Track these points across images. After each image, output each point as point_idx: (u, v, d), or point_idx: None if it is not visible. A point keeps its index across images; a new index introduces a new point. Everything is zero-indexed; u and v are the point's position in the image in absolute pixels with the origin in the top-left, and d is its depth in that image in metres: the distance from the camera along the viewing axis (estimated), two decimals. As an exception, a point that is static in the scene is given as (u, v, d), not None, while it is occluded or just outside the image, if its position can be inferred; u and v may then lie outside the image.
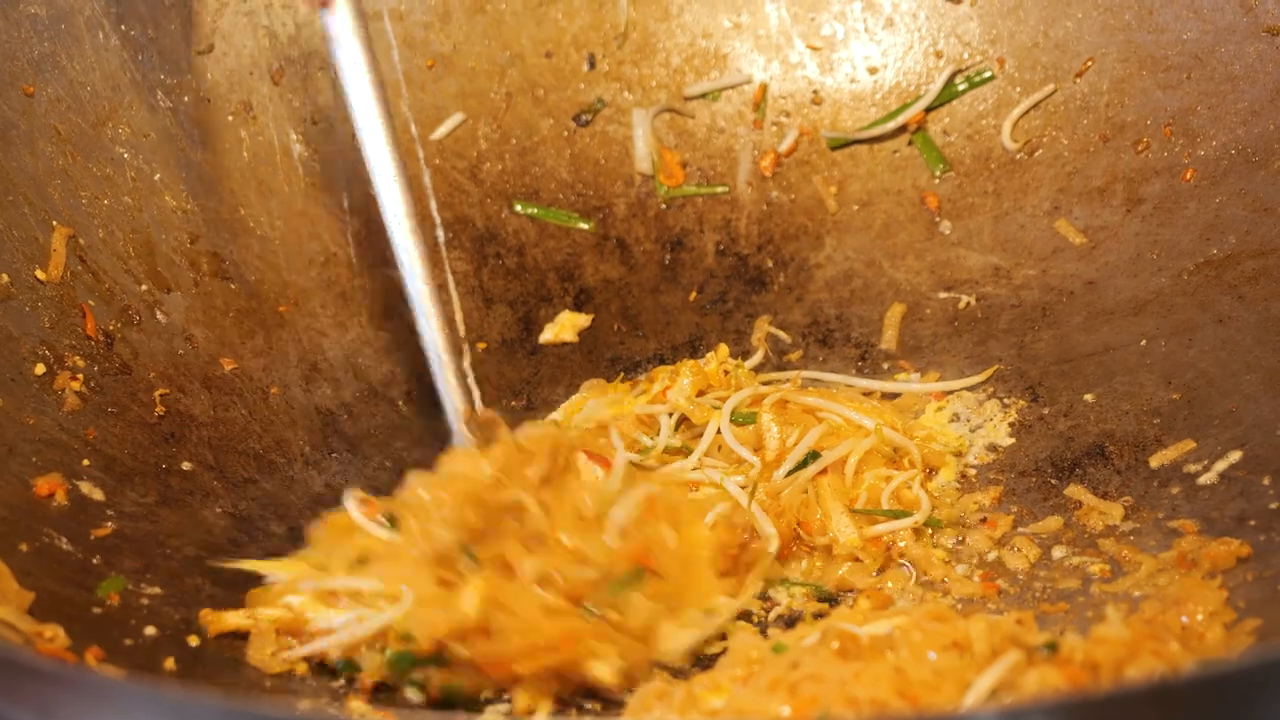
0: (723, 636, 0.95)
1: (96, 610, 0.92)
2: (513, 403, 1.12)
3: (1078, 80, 1.17)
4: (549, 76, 1.21)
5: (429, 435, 1.09)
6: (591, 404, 1.07)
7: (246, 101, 1.15)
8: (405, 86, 1.19)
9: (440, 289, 1.09)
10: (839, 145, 1.19)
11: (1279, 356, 1.05)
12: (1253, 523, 0.97)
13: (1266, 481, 0.99)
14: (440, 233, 1.16)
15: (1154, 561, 0.97)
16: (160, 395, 1.05)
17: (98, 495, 0.99)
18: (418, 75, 1.20)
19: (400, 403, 1.11)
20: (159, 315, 1.08)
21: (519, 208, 1.18)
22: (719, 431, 1.03)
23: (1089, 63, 1.17)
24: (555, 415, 1.10)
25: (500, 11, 1.21)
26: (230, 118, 1.15)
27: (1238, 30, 1.13)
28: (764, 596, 0.99)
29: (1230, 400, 1.04)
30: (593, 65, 1.21)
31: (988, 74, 1.18)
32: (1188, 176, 1.12)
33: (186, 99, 1.14)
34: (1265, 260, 1.08)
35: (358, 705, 0.91)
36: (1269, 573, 0.94)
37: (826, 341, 1.14)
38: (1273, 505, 0.98)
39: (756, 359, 1.13)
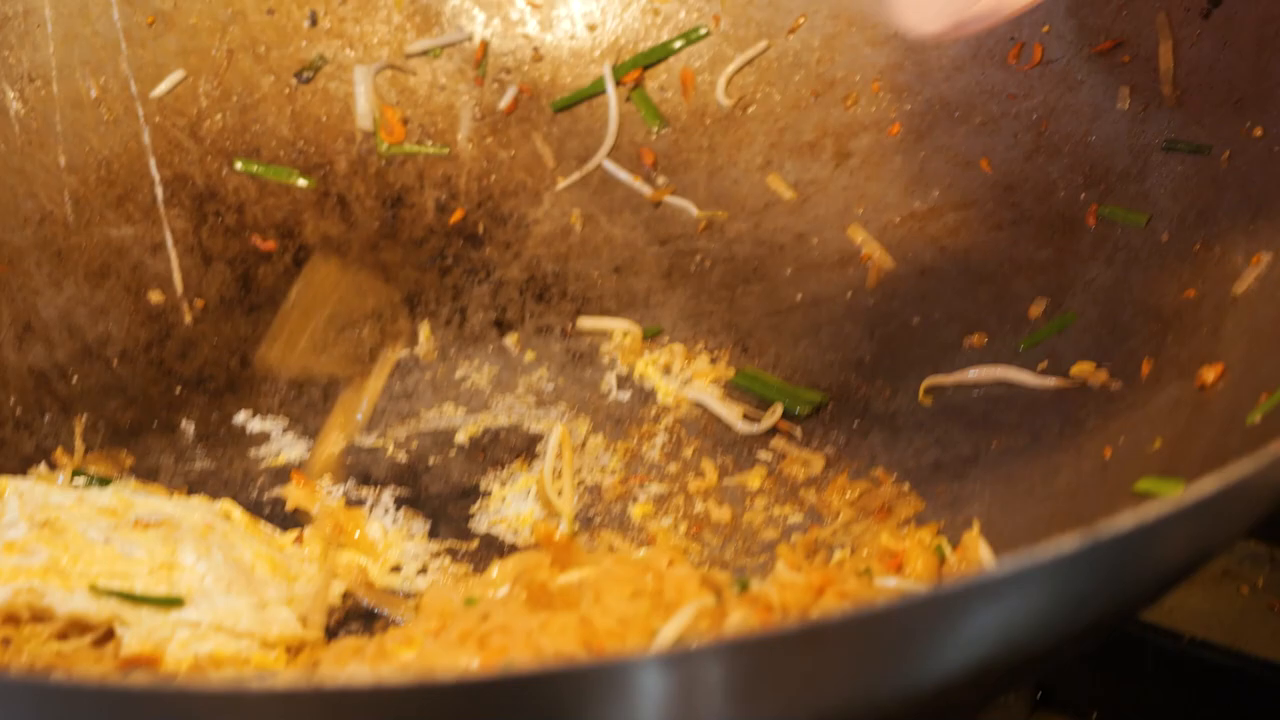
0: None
1: None
2: (230, 361, 1.12)
3: (790, 37, 1.19)
4: (271, 33, 1.21)
5: (143, 397, 1.09)
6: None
7: (-42, 60, 1.15)
8: (125, 43, 1.18)
9: (158, 248, 1.09)
10: (562, 107, 1.20)
11: (977, 307, 1.08)
12: (947, 472, 1.01)
13: (958, 431, 1.02)
14: (159, 190, 1.16)
15: (850, 510, 1.00)
16: None
17: None
18: (137, 32, 1.19)
19: (115, 362, 1.11)
20: None
21: (239, 165, 1.18)
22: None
23: (801, 20, 1.19)
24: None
25: (221, -32, 1.21)
26: (-59, 76, 1.14)
27: (943, -12, 1.16)
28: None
29: (928, 348, 1.07)
30: (314, 22, 1.21)
31: (703, 31, 1.20)
32: (894, 131, 1.15)
33: (-106, 58, 1.13)
34: (966, 213, 1.11)
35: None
36: (959, 518, 0.98)
37: (544, 297, 1.15)
38: (965, 453, 1.01)
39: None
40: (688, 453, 1.06)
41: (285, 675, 0.90)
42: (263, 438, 1.09)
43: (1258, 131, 1.02)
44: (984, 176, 1.12)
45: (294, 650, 0.93)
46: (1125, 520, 0.65)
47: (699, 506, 1.03)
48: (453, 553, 1.02)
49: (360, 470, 1.07)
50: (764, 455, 1.05)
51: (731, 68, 1.19)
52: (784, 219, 1.15)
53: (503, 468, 1.07)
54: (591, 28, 1.21)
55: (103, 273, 1.14)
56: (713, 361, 1.10)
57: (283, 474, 1.06)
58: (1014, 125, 1.12)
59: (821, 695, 0.66)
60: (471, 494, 1.05)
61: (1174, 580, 0.76)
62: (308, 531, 1.01)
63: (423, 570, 1.01)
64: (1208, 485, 0.66)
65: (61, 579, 0.92)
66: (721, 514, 1.02)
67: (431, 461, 1.07)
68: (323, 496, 1.04)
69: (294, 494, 1.04)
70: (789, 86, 1.18)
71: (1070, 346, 1.04)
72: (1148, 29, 1.09)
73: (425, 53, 1.22)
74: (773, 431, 1.06)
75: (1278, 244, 0.98)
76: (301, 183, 1.18)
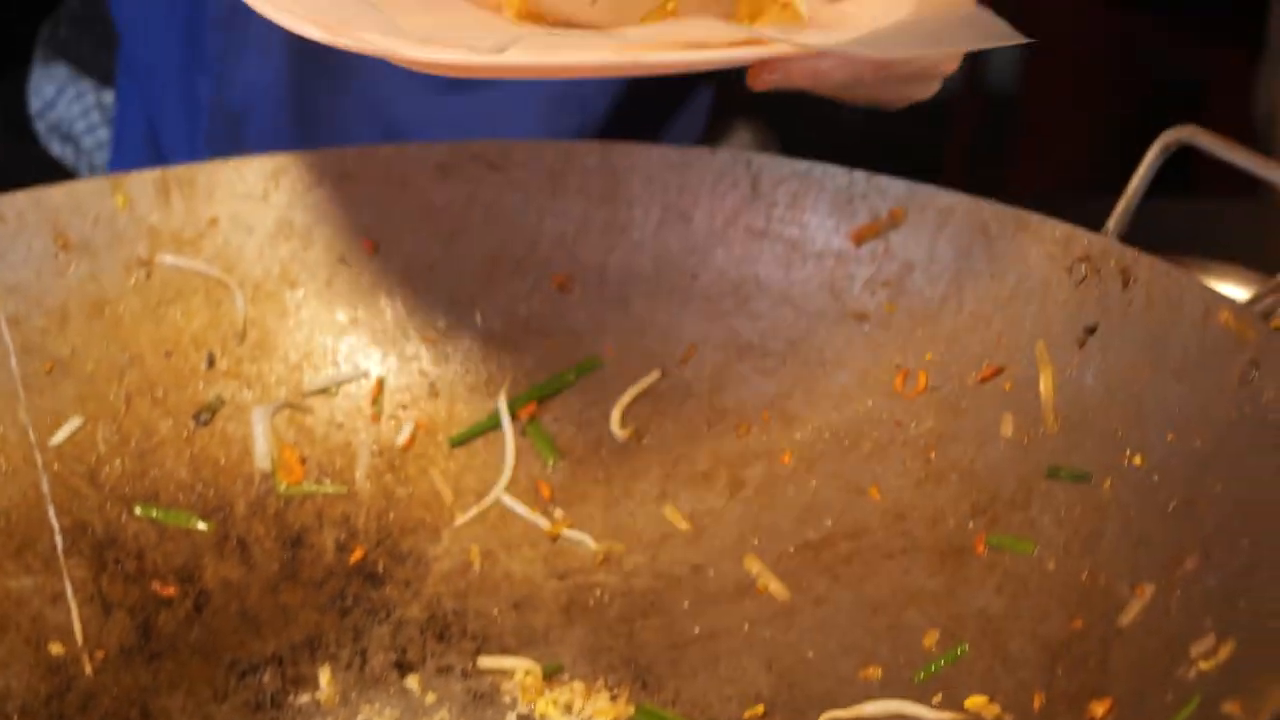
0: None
1: None
2: (130, 712, 1.12)
3: (682, 367, 1.21)
4: (168, 376, 1.23)
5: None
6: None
7: None
8: (22, 391, 1.19)
9: (58, 597, 1.10)
10: (460, 441, 1.22)
11: (872, 638, 1.09)
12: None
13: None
14: (59, 539, 1.16)
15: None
16: None
17: None
18: (35, 380, 1.20)
19: (15, 718, 1.11)
20: None
21: (139, 510, 1.19)
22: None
23: (692, 349, 1.21)
24: None
25: (119, 313, 1.22)
26: None
27: (828, 315, 1.19)
28: None
29: (826, 681, 1.08)
30: (211, 364, 1.23)
31: (596, 362, 1.22)
32: (785, 460, 1.17)
33: None
34: (858, 541, 1.13)
35: None
36: None
37: (444, 636, 1.15)
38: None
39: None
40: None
41: None
42: (162, 799, 1.09)
43: (1138, 460, 1.05)
44: (874, 504, 1.14)
45: None
46: None
47: None
48: None
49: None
50: (665, 796, 1.06)
51: (625, 398, 1.21)
52: (680, 550, 1.17)
53: (405, 816, 1.06)
54: (486, 362, 1.23)
55: (2, 625, 1.13)
56: (613, 699, 1.11)
57: (183, 831, 1.06)
58: (902, 452, 1.15)
59: None
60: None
61: None
62: None
63: None
64: None
65: None
66: None
67: (333, 812, 1.07)
68: None
69: None
70: (682, 416, 1.20)
71: (964, 677, 1.05)
72: (1028, 356, 1.12)
73: (323, 391, 1.23)
74: (673, 773, 1.07)
75: (1160, 575, 1.00)
76: (201, 526, 1.19)
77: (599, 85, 1.52)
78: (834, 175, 1.19)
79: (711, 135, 1.67)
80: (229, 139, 1.52)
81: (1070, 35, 2.37)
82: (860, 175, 1.18)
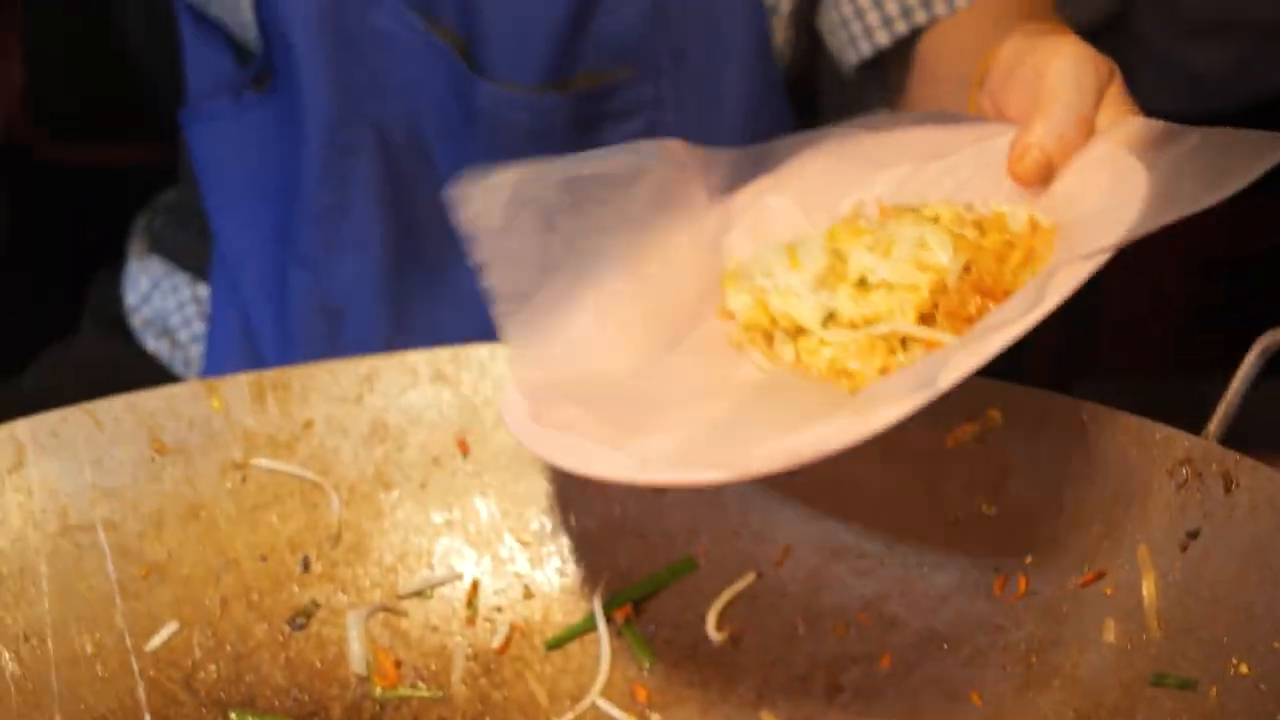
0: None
1: None
2: None
3: (777, 568, 1.20)
4: (264, 580, 1.23)
5: None
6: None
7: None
8: (119, 596, 1.20)
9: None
10: (555, 644, 1.21)
11: None
12: None
13: None
14: (155, 747, 1.16)
15: None
16: None
17: None
18: (132, 585, 1.20)
19: None
20: None
21: (234, 716, 1.18)
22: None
23: (788, 551, 1.20)
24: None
25: (214, 517, 1.23)
26: (-63, 644, 1.15)
27: (926, 517, 1.18)
28: None
29: None
30: (307, 568, 1.23)
31: (691, 563, 1.22)
32: (884, 663, 1.16)
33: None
34: (961, 748, 1.12)
35: None
36: None
37: (540, 845, 1.15)
38: None
39: None
40: None
41: None
42: None
43: (1244, 668, 1.03)
44: (976, 710, 1.13)
45: None
46: None
47: None
48: None
49: None
50: None
51: (721, 600, 1.21)
52: (779, 756, 1.15)
53: None
54: (581, 563, 1.23)
55: (96, 836, 1.13)
56: None
57: None
58: (1002, 657, 1.13)
59: None
60: None
61: None
62: None
63: None
64: None
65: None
66: None
67: None
68: None
69: None
70: (778, 617, 1.19)
71: None
72: (1129, 561, 1.10)
73: (417, 594, 1.23)
74: None
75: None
76: (296, 732, 1.19)
77: None
78: (929, 377, 1.18)
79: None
80: (326, 332, 1.53)
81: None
82: (956, 376, 1.17)
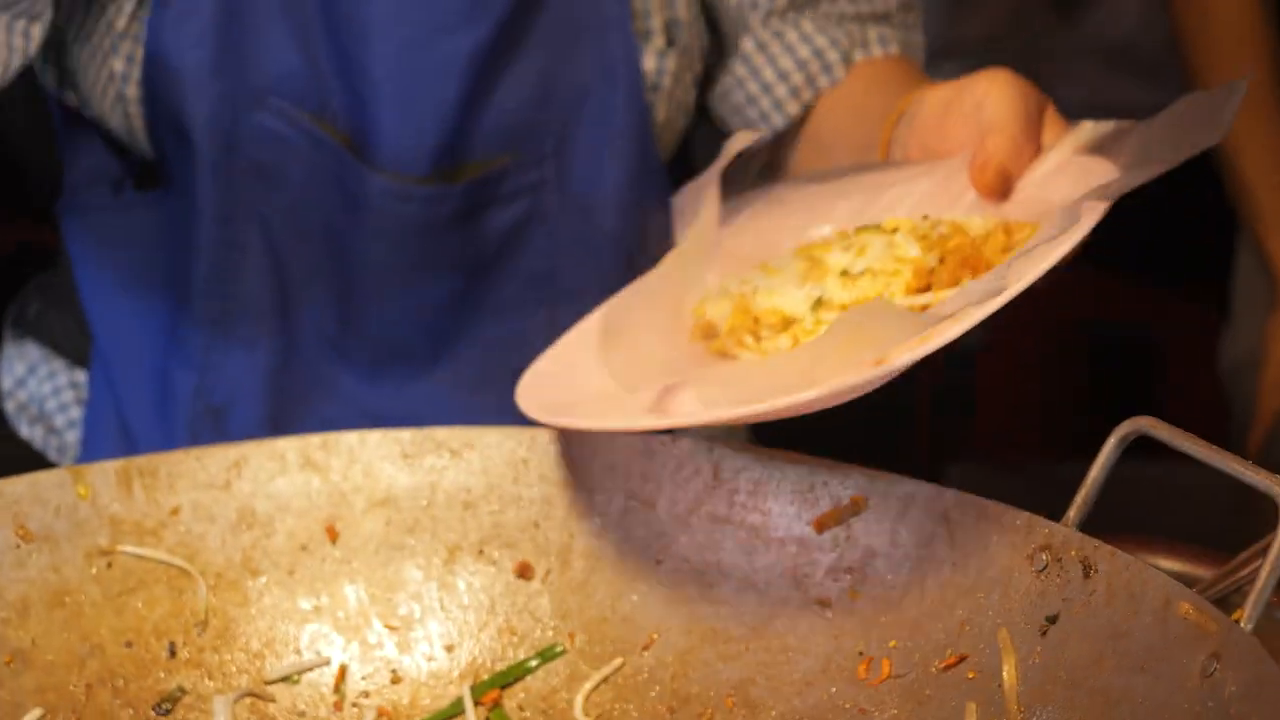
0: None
1: None
2: None
3: (644, 653, 1.21)
4: (129, 666, 1.22)
5: None
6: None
7: None
8: (-18, 685, 1.19)
9: None
10: (424, 730, 1.21)
11: None
12: None
13: None
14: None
15: None
16: None
17: None
18: (-5, 672, 1.19)
19: None
20: None
21: (97, 808, 1.17)
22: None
23: (654, 636, 1.21)
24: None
25: (80, 603, 1.22)
26: None
27: (791, 602, 1.19)
28: None
29: None
30: (173, 654, 1.22)
31: (559, 649, 1.22)
32: (750, 748, 1.16)
33: None
34: (824, 835, 1.12)
35: None
36: None
37: None
38: None
39: None
40: None
41: None
42: None
43: (1103, 747, 1.04)
44: (840, 793, 1.13)
45: None
46: None
47: None
48: None
49: None
50: None
51: (589, 685, 1.21)
52: (644, 842, 1.15)
53: None
54: (449, 648, 1.23)
55: None
56: None
57: None
58: (867, 741, 1.14)
59: None
60: None
61: None
62: None
63: None
64: None
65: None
66: None
67: None
68: None
69: None
70: (645, 702, 1.20)
71: None
72: (990, 645, 1.11)
73: (285, 679, 1.22)
74: None
75: None
76: (159, 823, 1.18)
77: None
78: (795, 463, 1.19)
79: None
80: (211, 430, 1.53)
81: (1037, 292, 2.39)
82: (821, 463, 1.19)
